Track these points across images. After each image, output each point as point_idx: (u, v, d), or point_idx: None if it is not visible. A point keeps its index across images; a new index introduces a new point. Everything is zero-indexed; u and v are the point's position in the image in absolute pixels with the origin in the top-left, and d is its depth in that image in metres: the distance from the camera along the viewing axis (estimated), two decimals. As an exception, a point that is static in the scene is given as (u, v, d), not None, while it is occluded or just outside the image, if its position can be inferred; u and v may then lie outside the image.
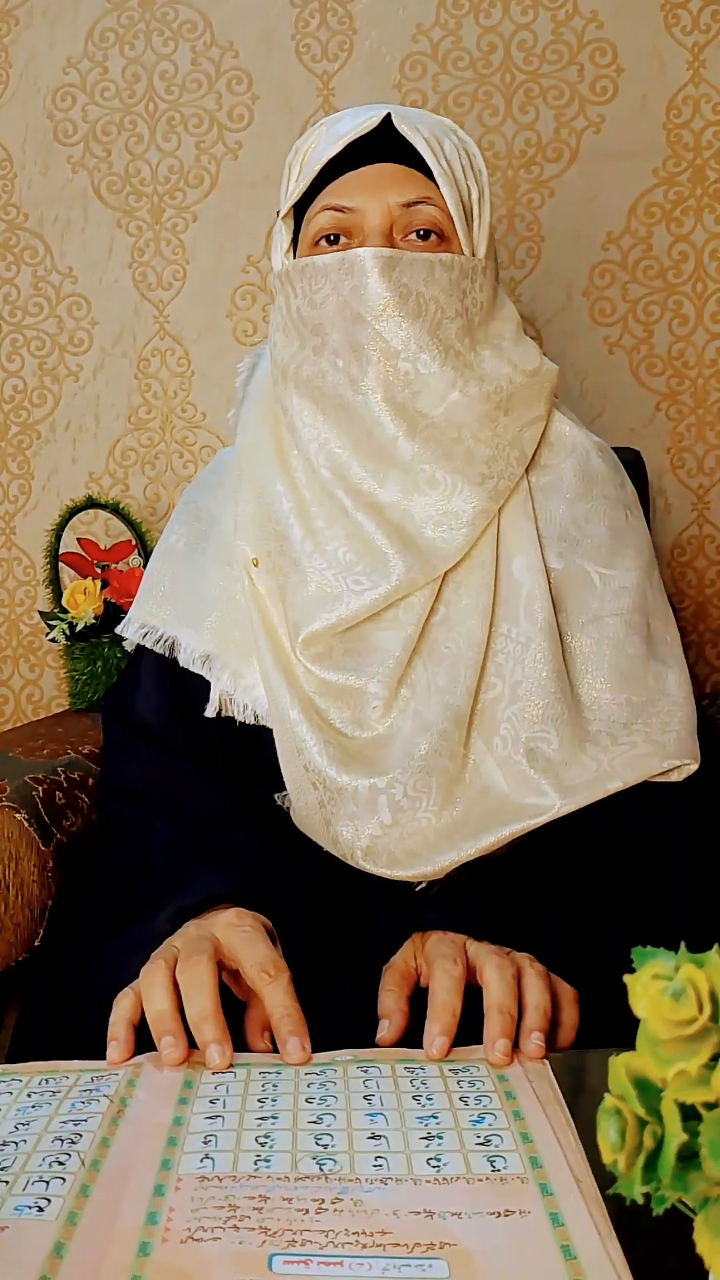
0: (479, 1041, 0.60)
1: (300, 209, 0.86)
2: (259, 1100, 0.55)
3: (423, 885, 0.77)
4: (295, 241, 0.88)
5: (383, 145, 0.82)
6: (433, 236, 0.82)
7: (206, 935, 0.65)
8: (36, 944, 0.93)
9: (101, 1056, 0.61)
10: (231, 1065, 0.59)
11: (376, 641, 0.80)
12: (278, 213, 0.88)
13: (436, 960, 0.64)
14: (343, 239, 0.82)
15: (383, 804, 0.75)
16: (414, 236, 0.81)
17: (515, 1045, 0.60)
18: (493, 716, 0.79)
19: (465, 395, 0.81)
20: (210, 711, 0.84)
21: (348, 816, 0.76)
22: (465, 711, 0.78)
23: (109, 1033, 0.61)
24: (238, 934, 0.65)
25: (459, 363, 0.81)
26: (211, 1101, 0.55)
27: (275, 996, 0.61)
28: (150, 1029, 0.61)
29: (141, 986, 0.62)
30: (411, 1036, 0.63)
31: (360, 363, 0.80)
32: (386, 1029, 0.64)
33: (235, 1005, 0.65)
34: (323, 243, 0.83)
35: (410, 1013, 0.65)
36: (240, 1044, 0.63)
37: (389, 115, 0.82)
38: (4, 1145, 0.51)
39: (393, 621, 0.80)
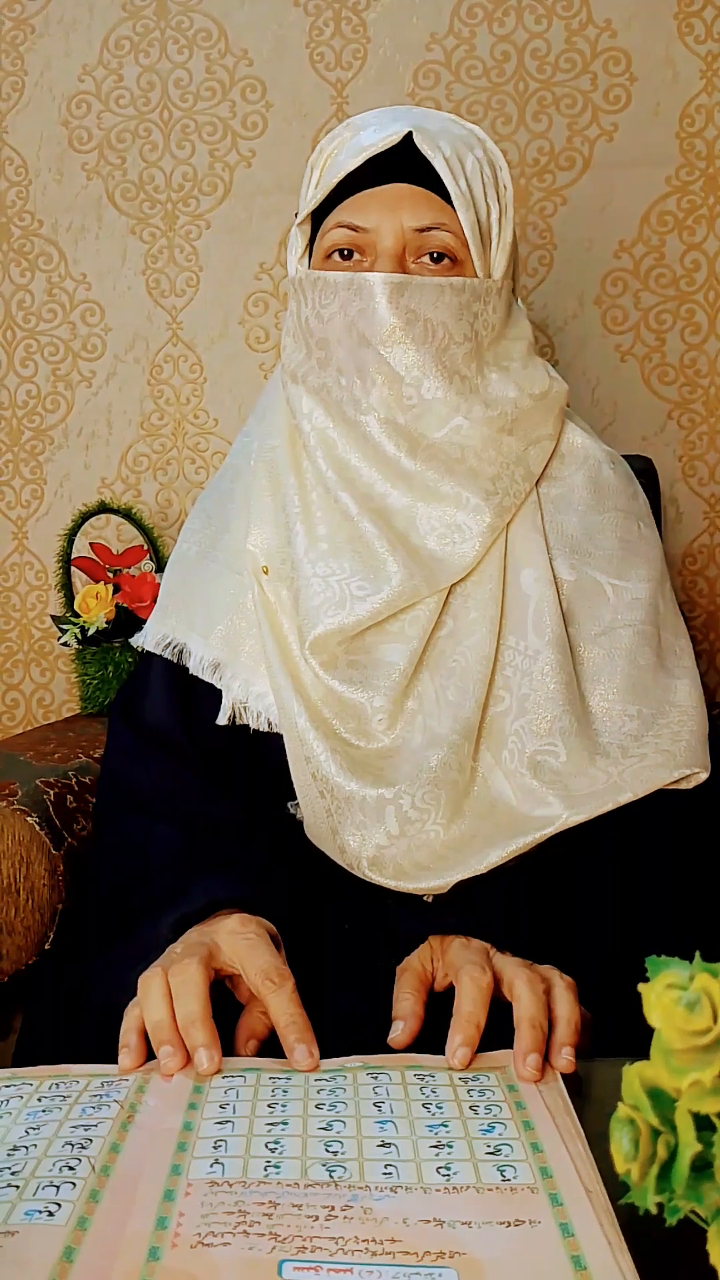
0: (493, 1049, 0.60)
1: (319, 215, 0.86)
2: (269, 1106, 0.55)
3: (430, 897, 0.76)
4: (311, 247, 0.88)
5: (402, 162, 0.81)
6: (445, 260, 0.81)
7: (206, 941, 0.65)
8: (47, 947, 0.93)
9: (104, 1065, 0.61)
10: (220, 1069, 0.58)
11: (381, 654, 0.80)
12: (295, 215, 0.88)
13: (464, 968, 0.63)
14: (355, 255, 0.82)
15: (390, 814, 0.75)
16: (426, 259, 0.81)
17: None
18: (501, 730, 0.79)
19: (469, 420, 0.81)
20: (223, 719, 0.84)
21: (354, 826, 0.76)
22: (475, 724, 0.78)
23: (120, 1040, 0.61)
24: (241, 941, 0.65)
25: (464, 387, 0.81)
26: (221, 1107, 0.55)
27: (280, 1004, 0.61)
28: (149, 1037, 0.61)
29: (139, 995, 0.62)
30: (424, 1040, 0.63)
31: (364, 384, 0.80)
32: (400, 1031, 0.63)
33: (235, 1008, 0.65)
34: (335, 256, 0.83)
35: (424, 1016, 0.64)
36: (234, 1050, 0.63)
37: (411, 132, 0.81)
38: (14, 1150, 0.51)
39: (398, 634, 0.80)
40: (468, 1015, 0.60)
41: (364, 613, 0.79)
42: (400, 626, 0.80)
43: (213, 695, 0.85)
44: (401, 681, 0.79)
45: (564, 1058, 0.59)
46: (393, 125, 0.82)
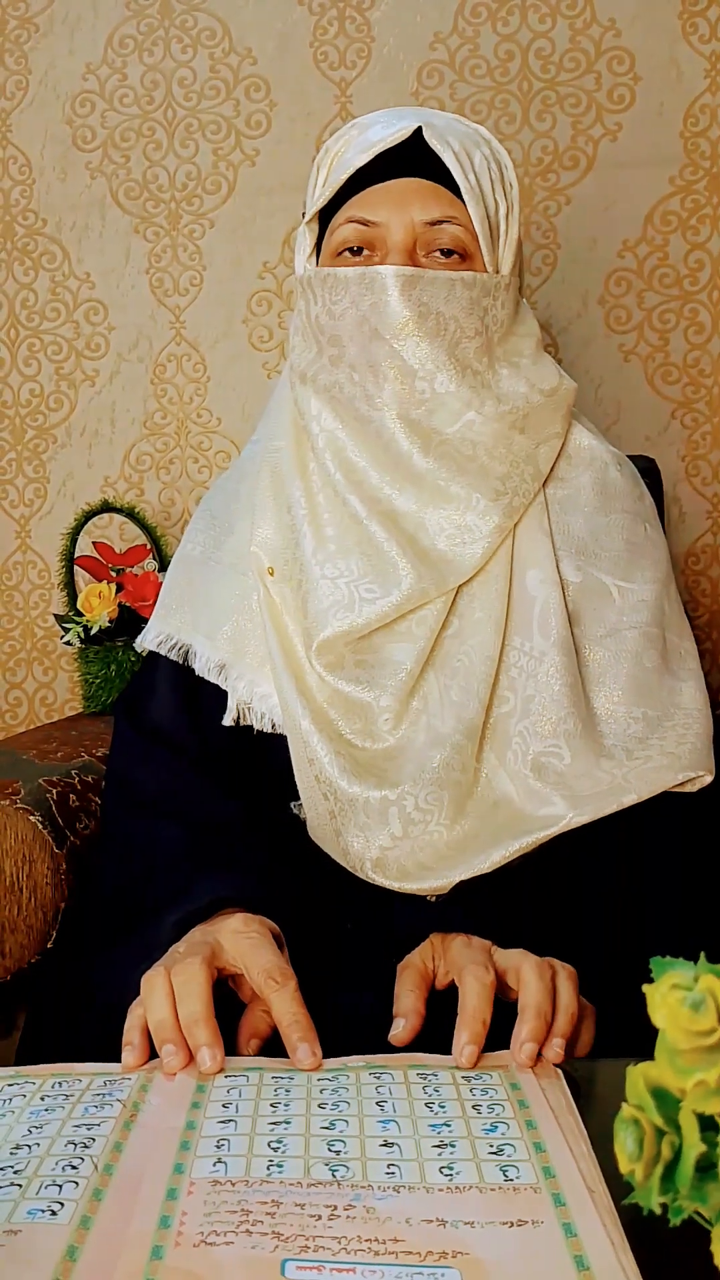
0: (498, 1048, 0.60)
1: (326, 214, 0.86)
2: (271, 1105, 0.55)
3: (434, 897, 0.76)
4: (319, 246, 0.88)
5: (411, 158, 0.81)
6: (455, 255, 0.81)
7: (209, 940, 0.65)
8: (49, 946, 0.94)
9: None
10: (223, 1069, 0.59)
11: (388, 653, 0.80)
12: (303, 214, 0.88)
13: (467, 966, 0.63)
14: (365, 251, 0.82)
15: (393, 816, 0.75)
16: (437, 253, 0.81)
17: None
18: (505, 731, 0.79)
19: (481, 415, 0.81)
20: (228, 720, 0.84)
21: (358, 828, 0.76)
22: (478, 725, 0.78)
23: (124, 1038, 0.61)
24: (244, 940, 0.65)
25: (476, 382, 0.81)
26: (224, 1106, 0.55)
27: (283, 1003, 0.61)
28: (152, 1036, 0.61)
29: (143, 994, 0.62)
30: (425, 1038, 0.63)
31: (376, 379, 0.80)
32: (401, 1029, 0.63)
33: (238, 1007, 0.65)
34: (345, 253, 0.83)
35: (425, 1013, 0.64)
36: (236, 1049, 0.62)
37: (420, 127, 0.81)
38: (17, 1149, 0.51)
39: (405, 634, 0.80)
40: (473, 1012, 0.60)
41: (373, 615, 0.79)
42: (408, 627, 0.80)
43: (218, 695, 0.85)
44: (408, 681, 0.79)
45: (554, 1049, 0.59)
46: (400, 122, 0.82)
